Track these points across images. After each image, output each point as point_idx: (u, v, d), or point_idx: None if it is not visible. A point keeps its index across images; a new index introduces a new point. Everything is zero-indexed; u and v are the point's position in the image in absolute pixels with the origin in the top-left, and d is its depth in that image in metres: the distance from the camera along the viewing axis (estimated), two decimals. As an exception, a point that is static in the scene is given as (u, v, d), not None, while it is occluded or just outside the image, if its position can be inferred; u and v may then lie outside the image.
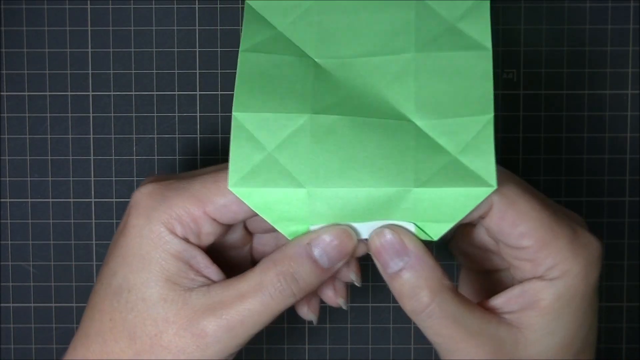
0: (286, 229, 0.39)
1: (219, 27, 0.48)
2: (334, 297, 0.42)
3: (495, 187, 0.37)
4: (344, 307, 0.42)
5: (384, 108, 0.40)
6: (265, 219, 0.38)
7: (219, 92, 0.48)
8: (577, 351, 0.39)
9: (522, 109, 0.49)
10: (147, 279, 0.38)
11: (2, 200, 0.49)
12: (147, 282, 0.38)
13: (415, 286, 0.38)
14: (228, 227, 0.40)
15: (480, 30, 0.40)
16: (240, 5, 0.48)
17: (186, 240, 0.39)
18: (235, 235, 0.42)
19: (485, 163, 0.38)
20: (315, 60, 0.41)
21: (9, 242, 0.49)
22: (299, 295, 0.38)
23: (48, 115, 0.48)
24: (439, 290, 0.38)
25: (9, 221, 0.49)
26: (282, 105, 0.39)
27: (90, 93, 0.48)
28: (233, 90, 0.48)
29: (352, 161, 0.38)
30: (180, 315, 0.38)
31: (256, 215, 0.39)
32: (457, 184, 0.38)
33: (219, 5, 0.48)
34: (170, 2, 0.48)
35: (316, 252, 0.38)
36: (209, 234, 0.39)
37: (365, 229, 0.39)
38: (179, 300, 0.38)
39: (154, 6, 0.48)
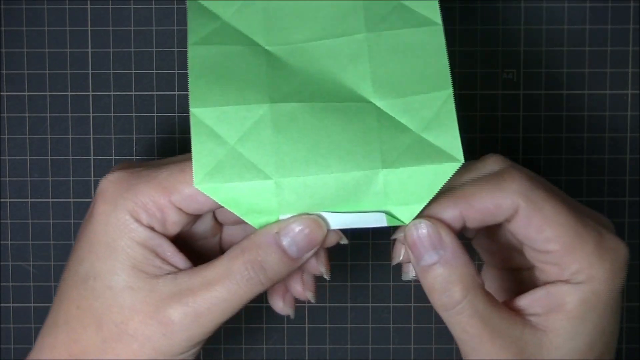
0: (256, 221, 0.38)
1: (219, 27, 0.48)
2: (302, 291, 0.41)
3: (462, 161, 0.37)
4: (312, 301, 0.42)
5: (343, 91, 0.39)
6: (234, 213, 0.38)
7: (219, 92, 0.48)
8: (598, 354, 0.39)
9: (522, 109, 0.49)
10: (113, 267, 0.38)
11: (2, 200, 0.49)
12: (113, 270, 0.38)
13: (448, 281, 0.37)
14: (195, 217, 0.40)
15: (429, 6, 0.40)
16: (240, 5, 0.48)
17: (151, 228, 0.39)
18: (204, 226, 0.42)
19: (450, 138, 0.38)
20: (266, 48, 0.40)
21: (9, 242, 0.49)
22: (267, 284, 0.38)
23: (48, 115, 0.48)
24: (472, 287, 0.37)
25: (9, 221, 0.49)
26: (239, 96, 0.39)
27: (90, 93, 0.48)
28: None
29: (318, 148, 0.38)
30: (147, 302, 0.38)
31: (223, 207, 0.39)
32: (424, 161, 0.38)
33: (219, 5, 0.48)
34: (170, 2, 0.48)
35: (285, 241, 0.38)
36: (174, 223, 0.39)
37: (335, 219, 0.38)
38: (145, 288, 0.38)
39: (154, 6, 0.48)
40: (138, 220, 0.38)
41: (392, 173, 0.38)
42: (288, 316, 0.43)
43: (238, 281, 0.38)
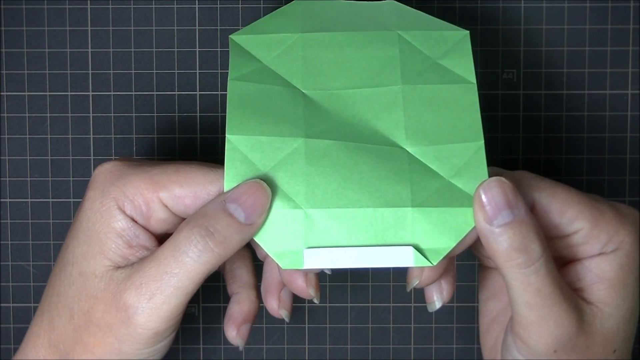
0: (279, 252, 0.38)
1: (219, 27, 0.48)
2: (306, 288, 0.40)
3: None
4: (316, 301, 0.41)
5: (376, 136, 0.40)
6: (257, 242, 0.38)
7: (219, 92, 0.48)
8: (636, 322, 0.40)
9: (522, 109, 0.49)
10: (87, 252, 0.38)
11: (2, 200, 0.49)
12: (86, 255, 0.38)
13: (526, 238, 0.36)
14: (182, 220, 0.39)
15: (464, 66, 0.41)
16: (240, 6, 0.48)
17: (132, 219, 0.39)
18: None
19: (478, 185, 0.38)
20: (303, 91, 0.41)
21: (9, 242, 0.49)
22: (219, 251, 0.37)
23: (48, 115, 0.48)
24: (546, 246, 0.37)
25: (9, 221, 0.49)
26: (275, 129, 0.39)
27: (90, 93, 0.48)
28: (233, 90, 0.48)
29: (349, 182, 0.38)
30: (107, 290, 0.38)
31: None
32: (454, 204, 0.38)
33: (219, 5, 0.48)
34: (170, 2, 0.48)
35: (231, 207, 0.37)
36: (159, 220, 0.39)
37: (361, 255, 0.38)
38: (105, 276, 0.38)
39: (154, 6, 0.48)
40: (121, 209, 0.38)
41: (421, 212, 0.38)
42: (283, 320, 0.43)
43: (186, 251, 0.37)
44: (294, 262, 0.38)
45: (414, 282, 0.39)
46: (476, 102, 0.40)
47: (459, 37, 0.42)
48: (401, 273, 0.49)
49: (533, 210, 0.39)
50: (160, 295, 0.37)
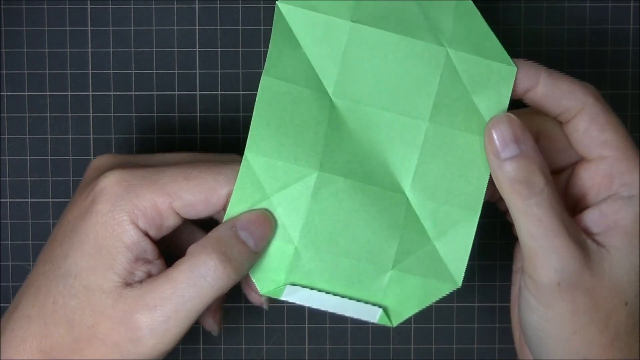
0: (261, 280, 0.40)
1: (219, 27, 0.48)
2: (261, 300, 0.42)
3: (459, 285, 0.41)
4: (265, 307, 0.43)
5: (384, 173, 0.41)
6: None
7: (219, 92, 0.48)
8: None
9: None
10: (94, 267, 0.38)
11: (2, 200, 0.49)
12: (94, 270, 0.38)
13: (530, 171, 0.38)
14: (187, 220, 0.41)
15: (496, 111, 0.41)
16: (240, 6, 0.48)
17: (145, 233, 0.39)
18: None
19: (458, 258, 0.41)
20: (332, 98, 0.40)
21: (9, 242, 0.49)
22: (234, 277, 0.38)
23: (48, 115, 0.48)
24: (549, 180, 0.39)
25: (9, 221, 0.49)
26: (293, 153, 0.40)
27: (90, 93, 0.48)
28: (232, 91, 0.48)
29: (344, 230, 0.40)
30: (116, 308, 0.38)
31: (219, 212, 0.40)
32: (428, 274, 0.41)
33: (219, 5, 0.48)
34: (170, 2, 0.48)
35: (242, 234, 0.39)
36: (169, 227, 0.39)
37: (333, 302, 0.41)
38: (114, 293, 0.38)
39: (154, 6, 0.48)
40: (134, 223, 0.38)
41: (398, 276, 0.41)
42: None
43: (204, 275, 0.38)
44: (273, 291, 0.40)
45: None
46: (487, 170, 0.41)
47: (505, 73, 0.40)
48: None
49: (581, 113, 0.39)
50: (174, 318, 0.38)
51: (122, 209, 0.38)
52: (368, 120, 0.41)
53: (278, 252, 0.40)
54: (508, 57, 0.40)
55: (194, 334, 0.49)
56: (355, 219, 0.40)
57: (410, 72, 0.40)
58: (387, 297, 0.41)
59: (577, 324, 0.39)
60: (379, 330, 0.49)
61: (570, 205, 0.42)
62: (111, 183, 0.39)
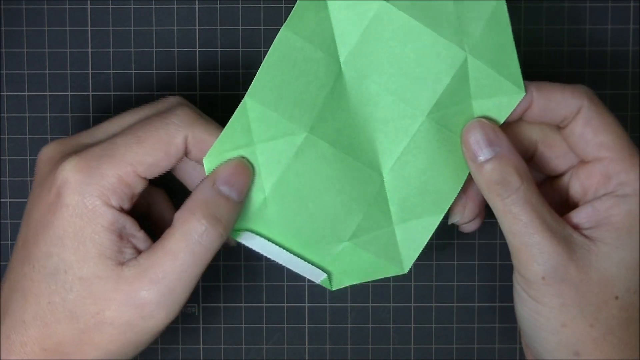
0: None
1: (219, 27, 0.48)
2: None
3: (404, 272, 0.43)
4: (233, 244, 0.44)
5: (368, 151, 0.41)
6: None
7: (219, 92, 0.48)
8: None
9: (522, 109, 0.48)
10: (83, 257, 0.38)
11: (2, 200, 0.49)
12: (83, 260, 0.38)
13: (505, 172, 0.40)
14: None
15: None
16: (240, 6, 0.48)
17: (120, 209, 0.39)
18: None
19: (411, 248, 0.43)
20: (342, 66, 0.40)
21: (9, 242, 0.49)
22: (225, 234, 0.39)
23: (48, 115, 0.48)
24: (526, 178, 0.40)
25: (9, 221, 0.49)
26: (289, 110, 0.40)
27: (90, 93, 0.48)
28: (232, 91, 0.48)
29: (315, 195, 0.41)
30: (118, 290, 0.38)
31: (180, 161, 0.40)
32: (378, 254, 0.43)
33: (219, 5, 0.48)
34: (170, 2, 0.48)
35: (225, 189, 0.40)
36: (139, 192, 0.40)
37: (285, 256, 0.42)
38: (112, 276, 0.38)
39: (154, 6, 0.48)
40: (107, 204, 0.39)
41: (351, 248, 0.42)
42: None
43: (199, 241, 0.39)
44: (232, 233, 0.41)
45: (455, 217, 0.43)
46: (464, 176, 0.42)
47: (512, 95, 0.40)
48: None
49: (575, 117, 0.40)
50: (180, 287, 0.39)
51: (91, 194, 0.38)
52: (369, 96, 0.41)
53: (246, 198, 0.41)
54: (521, 80, 0.41)
55: (194, 334, 0.49)
56: (328, 186, 0.41)
57: (424, 64, 0.40)
58: (334, 265, 0.43)
59: (566, 316, 0.40)
60: (379, 330, 0.49)
61: (570, 205, 0.42)
62: (71, 172, 0.39)
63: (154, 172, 0.39)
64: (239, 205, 0.40)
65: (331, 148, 0.41)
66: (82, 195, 0.38)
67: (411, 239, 0.43)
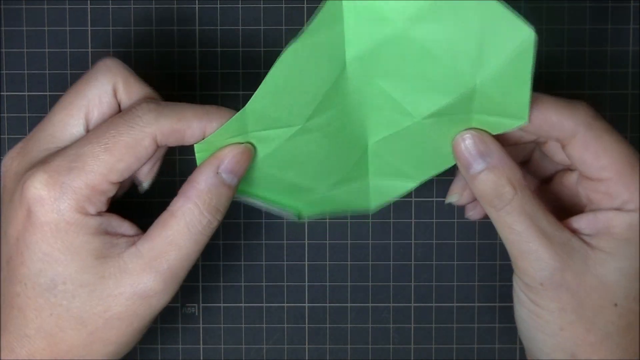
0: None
1: (219, 27, 0.48)
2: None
3: (370, 209, 0.45)
4: (145, 186, 0.43)
5: (358, 129, 0.42)
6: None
7: (219, 92, 0.48)
8: None
9: (522, 109, 0.48)
10: (80, 267, 0.38)
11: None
12: (82, 269, 0.38)
13: (497, 184, 0.40)
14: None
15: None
16: (240, 6, 0.48)
17: (99, 212, 0.39)
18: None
19: (381, 197, 0.45)
20: (347, 65, 0.39)
21: (9, 242, 0.49)
22: (222, 219, 0.40)
23: (48, 115, 0.48)
24: (519, 187, 0.40)
25: (9, 221, 0.49)
26: (288, 109, 0.40)
27: (90, 93, 0.48)
28: (232, 91, 0.48)
29: (299, 163, 0.42)
30: (123, 283, 0.39)
31: (150, 158, 0.40)
32: (350, 199, 0.45)
33: (219, 5, 0.48)
34: (170, 2, 0.48)
35: (228, 177, 0.40)
36: (114, 191, 0.40)
37: (259, 205, 0.45)
38: (115, 272, 0.39)
39: (153, 6, 0.48)
40: (86, 214, 0.39)
41: (324, 194, 0.45)
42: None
43: (200, 230, 0.39)
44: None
45: (453, 198, 0.44)
46: (448, 164, 0.42)
47: (513, 121, 0.39)
48: (402, 274, 0.49)
49: (573, 140, 0.40)
50: (182, 269, 0.40)
51: (68, 209, 0.38)
52: (371, 97, 0.41)
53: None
54: (527, 110, 0.39)
55: (194, 334, 0.49)
56: (312, 158, 0.42)
57: (431, 84, 0.39)
58: (304, 206, 0.45)
59: (564, 320, 0.40)
60: (379, 330, 0.49)
61: (576, 206, 0.42)
62: (42, 190, 0.38)
63: (126, 174, 0.39)
64: (235, 187, 0.41)
65: (323, 136, 0.41)
66: (59, 212, 0.38)
67: (383, 192, 0.44)
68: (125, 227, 0.40)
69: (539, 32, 0.48)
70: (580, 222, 0.40)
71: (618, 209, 0.40)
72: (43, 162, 0.39)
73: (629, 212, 0.39)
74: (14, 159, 0.40)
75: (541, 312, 0.40)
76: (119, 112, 0.41)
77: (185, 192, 0.40)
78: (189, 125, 0.40)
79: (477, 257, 0.49)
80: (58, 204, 0.38)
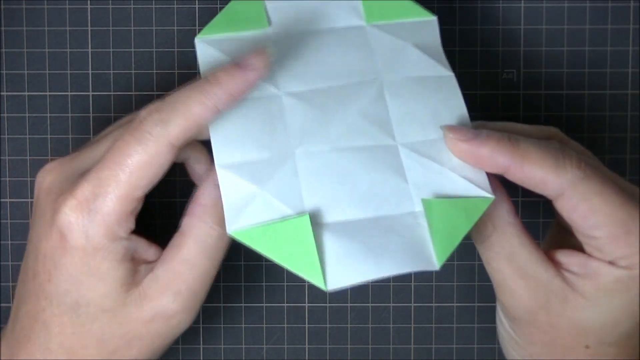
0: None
1: (219, 27, 0.48)
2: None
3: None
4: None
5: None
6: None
7: (219, 92, 0.48)
8: (621, 334, 0.40)
9: (522, 109, 0.49)
10: (104, 292, 0.39)
11: (2, 200, 0.49)
12: (105, 294, 0.39)
13: (480, 219, 0.39)
14: None
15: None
16: (240, 5, 0.48)
17: (128, 234, 0.39)
18: None
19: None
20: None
21: (9, 242, 0.49)
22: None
23: (48, 115, 0.48)
24: (500, 225, 0.39)
25: (9, 221, 0.49)
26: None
27: (90, 93, 0.48)
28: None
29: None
30: (143, 309, 0.39)
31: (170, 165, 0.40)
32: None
33: (219, 5, 0.48)
34: (170, 2, 0.48)
35: None
36: (142, 205, 0.40)
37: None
38: (136, 299, 0.39)
39: (154, 6, 0.48)
40: (116, 238, 0.39)
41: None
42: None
43: (212, 245, 0.40)
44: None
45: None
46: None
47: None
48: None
49: (561, 199, 0.38)
50: (202, 290, 0.40)
51: (97, 234, 0.39)
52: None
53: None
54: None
55: (194, 334, 0.49)
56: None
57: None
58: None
59: (533, 350, 0.41)
60: (379, 330, 0.49)
61: (565, 225, 0.42)
62: (72, 216, 0.39)
63: (151, 186, 0.39)
64: None
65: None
66: (87, 238, 0.39)
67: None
68: (151, 252, 0.41)
69: (539, 32, 0.49)
70: (571, 258, 0.40)
71: (610, 263, 0.39)
72: (73, 185, 0.39)
73: (618, 268, 0.39)
74: (50, 172, 0.41)
75: (515, 336, 0.41)
76: None
77: (191, 211, 0.40)
78: (198, 115, 0.39)
79: (477, 257, 0.49)
80: (87, 230, 0.39)
